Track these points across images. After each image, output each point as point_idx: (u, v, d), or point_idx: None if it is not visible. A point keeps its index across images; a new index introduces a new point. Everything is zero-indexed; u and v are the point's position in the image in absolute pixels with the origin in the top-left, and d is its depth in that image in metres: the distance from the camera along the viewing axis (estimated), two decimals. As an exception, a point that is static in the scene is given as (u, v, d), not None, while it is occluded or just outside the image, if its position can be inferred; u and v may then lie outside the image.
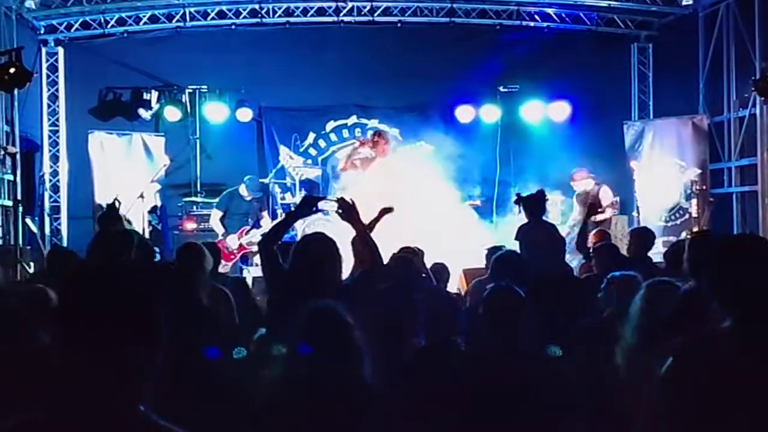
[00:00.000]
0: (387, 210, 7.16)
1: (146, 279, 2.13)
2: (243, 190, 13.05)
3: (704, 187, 13.88)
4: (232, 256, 12.74)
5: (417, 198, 12.36)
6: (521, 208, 8.95)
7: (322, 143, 15.44)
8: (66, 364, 2.02)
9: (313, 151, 15.38)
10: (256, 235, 12.70)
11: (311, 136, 15.41)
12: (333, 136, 15.52)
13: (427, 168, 14.13)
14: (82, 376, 1.99)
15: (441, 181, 13.43)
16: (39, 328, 4.07)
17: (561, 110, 15.27)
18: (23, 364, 3.84)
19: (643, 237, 8.78)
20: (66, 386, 2.00)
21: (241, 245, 12.87)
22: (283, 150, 15.19)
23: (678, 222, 14.23)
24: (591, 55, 15.50)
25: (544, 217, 9.06)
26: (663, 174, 14.39)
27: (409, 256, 6.93)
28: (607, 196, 12.97)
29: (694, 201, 13.63)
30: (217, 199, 13.40)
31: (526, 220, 8.88)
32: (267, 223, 12.83)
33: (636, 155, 14.69)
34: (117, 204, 9.88)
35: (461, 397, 4.29)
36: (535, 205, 8.81)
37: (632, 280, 5.47)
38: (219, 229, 12.94)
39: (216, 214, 13.08)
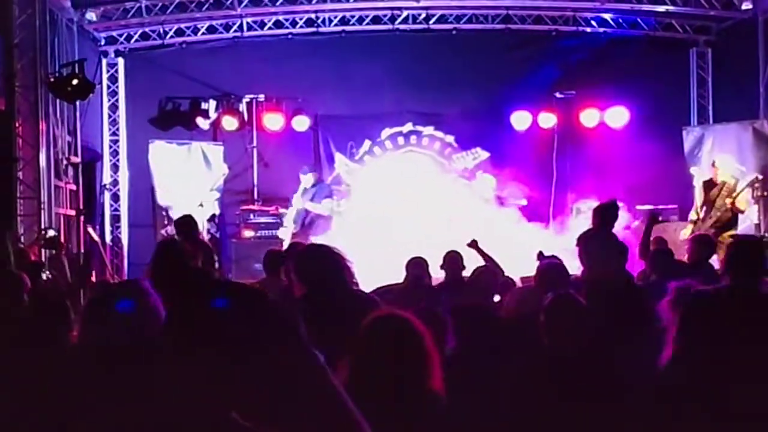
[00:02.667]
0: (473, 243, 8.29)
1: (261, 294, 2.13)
2: (302, 179, 13.28)
3: (765, 193, 13.65)
4: None
5: (475, 206, 12.41)
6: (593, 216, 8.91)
7: (377, 151, 15.47)
8: (171, 370, 2.03)
9: (368, 159, 15.42)
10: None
11: (367, 143, 15.45)
12: (388, 144, 15.54)
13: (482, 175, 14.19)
14: (184, 381, 2.00)
15: (497, 188, 13.49)
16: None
17: (619, 116, 15.16)
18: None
19: (703, 243, 8.68)
20: (165, 390, 2.02)
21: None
22: (339, 158, 15.26)
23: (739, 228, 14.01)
24: (649, 60, 15.33)
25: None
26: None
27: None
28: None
29: (755, 207, 13.42)
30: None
31: (583, 227, 8.85)
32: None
33: (695, 161, 14.50)
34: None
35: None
36: (604, 214, 8.76)
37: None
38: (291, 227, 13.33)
39: (290, 211, 13.47)
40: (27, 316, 4.17)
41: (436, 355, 3.59)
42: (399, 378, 3.49)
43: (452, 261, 7.97)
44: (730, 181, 12.32)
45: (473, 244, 8.32)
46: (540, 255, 8.17)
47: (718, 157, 12.85)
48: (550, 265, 6.84)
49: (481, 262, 8.05)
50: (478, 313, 5.21)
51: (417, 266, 7.89)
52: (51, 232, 11.00)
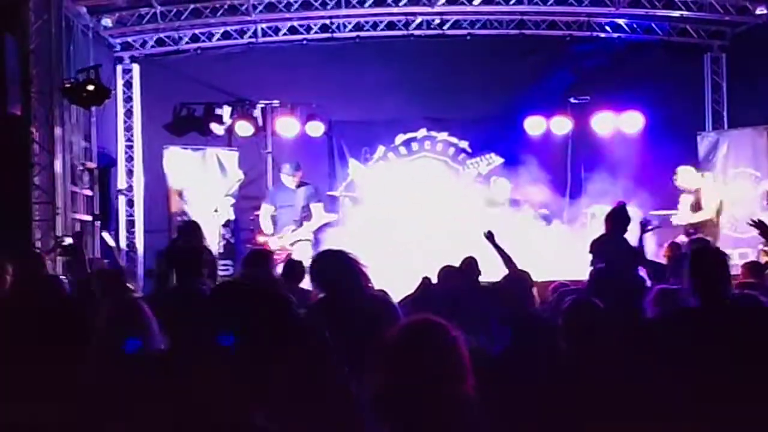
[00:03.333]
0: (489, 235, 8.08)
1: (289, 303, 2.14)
2: (284, 178, 12.93)
3: (780, 200, 13.63)
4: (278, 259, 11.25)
5: (489, 210, 12.39)
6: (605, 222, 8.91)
7: (391, 156, 15.48)
8: (204, 374, 2.04)
9: (382, 165, 15.42)
10: (298, 234, 12.50)
11: (381, 149, 15.45)
12: (402, 149, 15.55)
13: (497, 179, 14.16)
14: (208, 384, 2.01)
15: (512, 192, 13.49)
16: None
17: (633, 121, 15.14)
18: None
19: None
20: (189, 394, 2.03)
21: (282, 246, 12.45)
22: (353, 163, 15.28)
23: (754, 233, 13.93)
24: (663, 65, 15.35)
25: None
26: (737, 185, 14.16)
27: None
28: (709, 194, 12.67)
29: (768, 213, 13.39)
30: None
31: (598, 232, 8.86)
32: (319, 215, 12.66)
33: (710, 166, 14.48)
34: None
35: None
36: (616, 219, 8.76)
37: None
38: (268, 228, 12.77)
39: (266, 210, 12.91)
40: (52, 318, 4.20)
41: (468, 360, 3.55)
42: (436, 382, 3.41)
43: (468, 267, 7.89)
44: (698, 186, 12.44)
45: (490, 237, 8.11)
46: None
47: (680, 168, 12.94)
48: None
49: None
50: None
51: (448, 275, 7.73)
52: (68, 240, 11.02)
